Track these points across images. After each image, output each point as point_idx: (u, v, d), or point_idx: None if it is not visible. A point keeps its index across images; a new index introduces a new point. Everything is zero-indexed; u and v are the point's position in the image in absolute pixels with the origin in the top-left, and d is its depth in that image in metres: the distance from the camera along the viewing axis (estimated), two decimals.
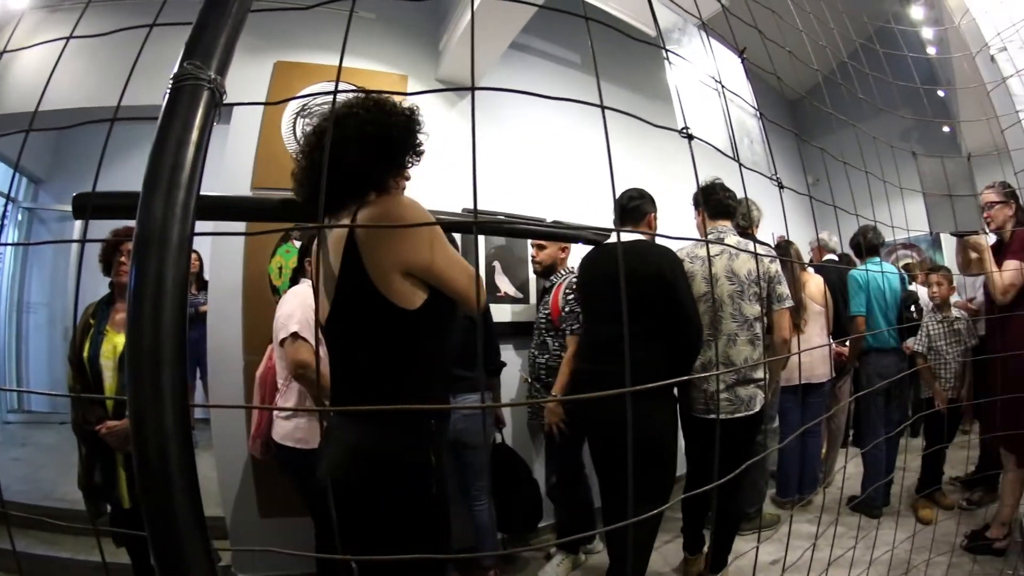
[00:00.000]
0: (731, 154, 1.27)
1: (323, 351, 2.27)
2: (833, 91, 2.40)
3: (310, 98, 3.08)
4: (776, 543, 3.06)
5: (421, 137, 1.38)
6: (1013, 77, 2.59)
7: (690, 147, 1.00)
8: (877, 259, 3.67)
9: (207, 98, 0.58)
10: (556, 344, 3.05)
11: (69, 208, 1.07)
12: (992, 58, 2.67)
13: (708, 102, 1.41)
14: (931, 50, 4.11)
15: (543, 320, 3.13)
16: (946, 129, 5.53)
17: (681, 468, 2.82)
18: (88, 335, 2.31)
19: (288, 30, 3.11)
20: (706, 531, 2.90)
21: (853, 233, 3.91)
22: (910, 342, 3.45)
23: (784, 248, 3.47)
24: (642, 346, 2.36)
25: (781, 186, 1.29)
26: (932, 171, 2.47)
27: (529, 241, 3.33)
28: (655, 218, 2.67)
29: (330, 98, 0.73)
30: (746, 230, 3.04)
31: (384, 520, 1.29)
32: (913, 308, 3.52)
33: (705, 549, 2.84)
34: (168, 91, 0.58)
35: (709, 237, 2.64)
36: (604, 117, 0.74)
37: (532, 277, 3.57)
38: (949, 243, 5.77)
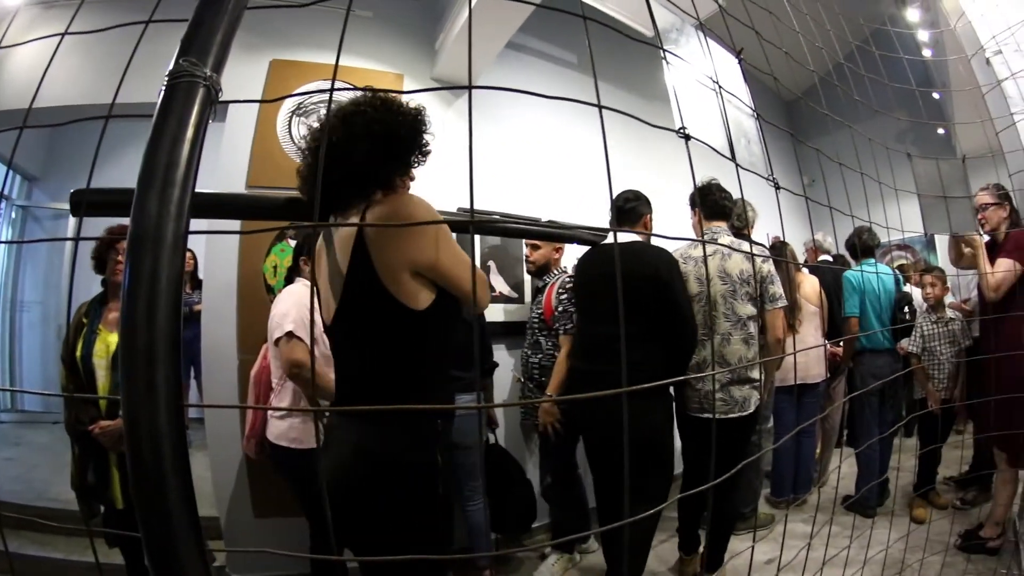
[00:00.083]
0: (728, 154, 1.27)
1: (318, 351, 2.29)
2: (829, 92, 2.42)
3: (306, 96, 3.07)
4: (771, 542, 3.07)
5: (428, 137, 1.37)
6: (1008, 80, 2.60)
7: (687, 147, 1.00)
8: (872, 260, 3.68)
9: (203, 95, 0.58)
10: (549, 344, 3.05)
11: (63, 206, 1.07)
12: (987, 61, 2.67)
13: (705, 102, 1.41)
14: (927, 52, 4.13)
15: (536, 320, 3.13)
16: (941, 131, 5.56)
17: (679, 467, 2.82)
18: (81, 334, 2.30)
19: (284, 28, 3.11)
20: (702, 531, 2.90)
21: (848, 234, 3.92)
22: (904, 343, 3.46)
23: (779, 249, 3.48)
24: (639, 346, 2.38)
25: (777, 187, 1.30)
26: (927, 173, 2.48)
27: (523, 241, 3.32)
28: (651, 219, 2.69)
29: (334, 96, 0.73)
30: (741, 230, 3.05)
31: (391, 520, 1.29)
32: (907, 309, 3.53)
33: (701, 549, 2.84)
34: (163, 88, 0.58)
35: (703, 237, 2.65)
36: (601, 117, 0.74)
37: (527, 277, 3.57)
38: (943, 244, 5.79)
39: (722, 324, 2.55)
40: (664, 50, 1.21)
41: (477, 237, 3.23)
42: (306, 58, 3.13)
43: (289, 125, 3.06)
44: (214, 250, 3.01)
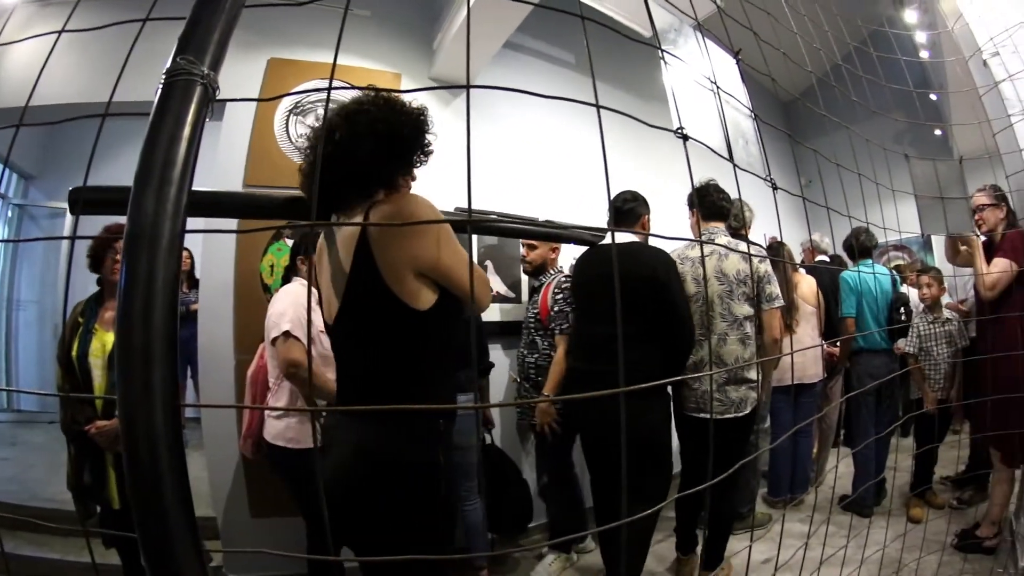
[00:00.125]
0: (726, 155, 1.28)
1: (315, 351, 2.29)
2: (827, 93, 2.41)
3: (303, 95, 3.07)
4: (768, 542, 3.07)
5: (430, 137, 1.37)
6: (1005, 82, 2.61)
7: (685, 147, 1.00)
8: (869, 261, 3.69)
9: (200, 94, 0.57)
10: (545, 344, 3.05)
11: (60, 204, 1.07)
12: (985, 63, 2.68)
13: (703, 103, 1.41)
14: (924, 54, 4.14)
15: (532, 319, 3.12)
16: (938, 132, 5.58)
17: (678, 467, 2.83)
18: (77, 333, 2.29)
19: (282, 27, 3.10)
20: (699, 531, 2.91)
21: (846, 235, 3.93)
22: (901, 343, 3.47)
23: (776, 249, 3.48)
24: (637, 346, 2.39)
25: (775, 187, 1.30)
26: (924, 174, 2.49)
27: (520, 240, 3.32)
28: (648, 220, 2.70)
29: (332, 95, 0.73)
30: (738, 231, 3.05)
31: (393, 520, 1.29)
32: (903, 310, 3.54)
33: (698, 549, 2.85)
34: (160, 86, 0.58)
35: (701, 238, 2.66)
36: (599, 117, 0.74)
37: (524, 276, 3.57)
38: (940, 245, 5.81)
39: (719, 324, 2.56)
40: (662, 50, 1.21)
41: (474, 237, 3.23)
42: (304, 57, 3.12)
43: (287, 124, 3.05)
44: (211, 249, 3.00)
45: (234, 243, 2.93)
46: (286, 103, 3.06)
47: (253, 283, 2.94)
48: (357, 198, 1.33)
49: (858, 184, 1.91)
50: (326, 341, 2.33)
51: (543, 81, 4.03)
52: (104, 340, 2.28)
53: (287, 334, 2.18)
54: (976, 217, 2.80)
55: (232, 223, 2.34)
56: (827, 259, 4.37)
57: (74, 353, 2.27)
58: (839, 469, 3.47)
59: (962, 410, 3.35)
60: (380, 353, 1.33)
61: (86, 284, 2.43)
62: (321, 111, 3.10)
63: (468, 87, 0.68)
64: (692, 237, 2.76)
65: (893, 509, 3.39)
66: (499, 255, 3.63)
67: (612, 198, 2.72)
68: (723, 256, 2.58)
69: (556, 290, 2.96)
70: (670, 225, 2.01)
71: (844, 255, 4.22)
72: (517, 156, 3.76)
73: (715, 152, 1.22)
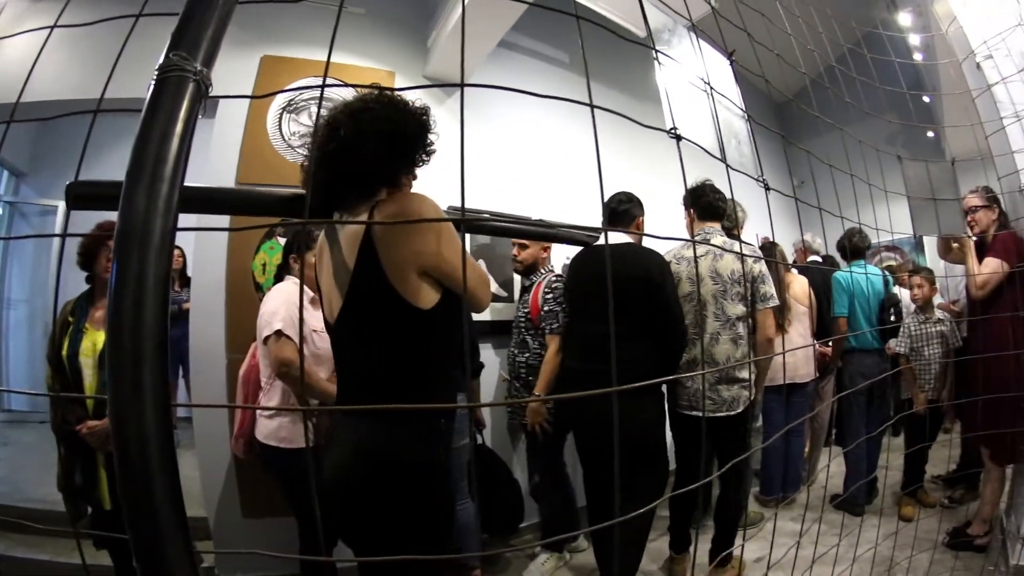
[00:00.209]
0: (719, 155, 1.28)
1: (307, 350, 2.28)
2: (820, 94, 2.43)
3: (297, 93, 3.06)
4: (760, 541, 3.08)
5: (432, 136, 1.37)
6: (998, 85, 2.63)
7: (678, 148, 1.00)
8: (862, 262, 3.71)
9: (192, 90, 0.57)
10: (536, 343, 3.04)
11: (51, 202, 1.06)
12: (978, 65, 2.70)
13: (696, 103, 1.41)
14: (918, 56, 4.16)
15: (522, 319, 3.11)
16: (931, 134, 5.60)
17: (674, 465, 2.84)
18: (67, 332, 2.27)
19: (275, 24, 3.09)
20: (692, 530, 2.92)
21: (838, 235, 3.95)
22: (892, 343, 3.50)
23: (769, 249, 3.50)
24: (631, 346, 2.40)
25: (767, 188, 1.30)
26: (917, 175, 2.50)
27: (511, 239, 3.32)
28: (643, 222, 2.72)
29: (330, 94, 0.72)
30: (731, 231, 3.06)
31: (396, 520, 1.29)
32: (892, 311, 3.56)
33: (691, 548, 2.85)
34: (153, 82, 0.57)
35: (696, 237, 2.68)
36: (593, 116, 0.74)
37: (515, 276, 3.57)
38: (932, 244, 5.85)
39: (711, 324, 2.58)
40: (656, 50, 1.21)
41: (467, 236, 3.22)
42: (297, 54, 3.11)
43: (279, 122, 3.04)
44: (203, 248, 2.98)
45: (226, 241, 2.91)
46: (279, 101, 3.05)
47: (245, 282, 2.93)
48: (360, 196, 1.33)
49: (851, 185, 1.92)
50: (318, 340, 2.34)
51: (537, 80, 4.03)
52: (95, 339, 2.26)
53: (279, 333, 2.17)
54: (969, 218, 2.82)
55: (224, 221, 2.33)
56: (819, 259, 4.39)
57: (64, 352, 2.24)
58: (831, 468, 3.49)
59: (953, 409, 3.37)
60: (383, 352, 1.33)
61: (77, 282, 2.40)
62: (314, 109, 3.09)
63: (462, 85, 0.68)
64: (687, 237, 2.77)
65: (884, 508, 3.41)
66: (491, 254, 3.63)
67: (608, 199, 2.74)
68: (718, 256, 2.59)
69: (547, 289, 2.96)
70: (664, 225, 2.01)
71: (837, 255, 4.24)
72: (511, 155, 3.76)
73: (708, 152, 1.22)
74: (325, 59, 0.68)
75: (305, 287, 2.41)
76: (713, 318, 2.58)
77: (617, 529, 2.51)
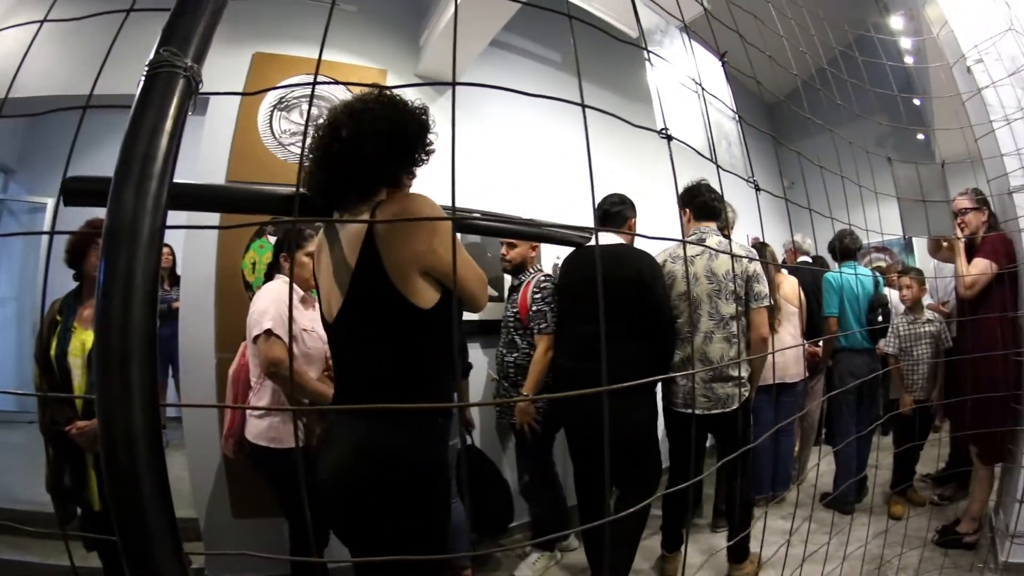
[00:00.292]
0: (709, 156, 1.28)
1: (297, 349, 2.27)
2: (811, 96, 2.44)
3: (288, 90, 3.04)
4: (751, 540, 3.08)
5: (431, 136, 1.38)
6: (988, 88, 2.65)
7: (669, 148, 1.00)
8: (852, 263, 3.73)
9: (183, 86, 0.56)
10: (525, 343, 3.03)
11: (40, 199, 1.05)
12: (968, 69, 2.72)
13: (688, 104, 1.42)
14: (909, 59, 4.19)
15: (511, 318, 3.10)
16: (921, 136, 5.65)
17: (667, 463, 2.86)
18: (55, 332, 2.24)
19: (267, 21, 3.07)
20: (683, 529, 2.92)
21: (828, 236, 3.97)
22: (882, 343, 3.52)
23: (759, 250, 3.51)
24: (623, 346, 2.42)
25: (758, 188, 1.30)
26: (907, 177, 2.52)
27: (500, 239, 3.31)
28: (635, 223, 2.75)
29: (328, 93, 0.72)
30: (721, 231, 3.08)
31: (402, 520, 1.29)
32: (881, 312, 3.58)
33: (683, 548, 2.86)
34: (143, 78, 0.56)
35: (691, 237, 2.70)
36: (584, 116, 0.74)
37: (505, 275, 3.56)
38: (921, 245, 5.89)
39: (705, 323, 2.60)
40: (648, 51, 1.21)
41: (457, 235, 3.21)
42: (289, 52, 3.09)
43: (271, 119, 3.02)
44: (192, 246, 2.96)
45: (216, 239, 2.89)
46: (270, 98, 3.03)
47: (235, 280, 2.91)
48: (361, 196, 1.33)
49: (841, 186, 1.93)
50: (308, 340, 2.33)
51: (529, 80, 4.02)
52: (83, 338, 2.24)
53: (269, 332, 2.16)
54: (959, 220, 2.85)
55: (214, 219, 2.31)
56: (809, 260, 4.41)
57: (53, 352, 2.22)
58: (820, 467, 3.51)
59: (943, 409, 3.40)
60: (384, 351, 1.33)
61: (66, 281, 2.38)
62: (306, 107, 3.08)
63: (454, 84, 0.68)
64: (679, 237, 2.78)
65: (874, 506, 3.43)
66: (480, 253, 3.62)
67: (600, 201, 2.78)
68: (713, 255, 2.61)
69: (535, 289, 2.95)
70: (655, 226, 2.02)
71: (828, 256, 4.27)
72: (502, 154, 3.76)
73: (699, 153, 1.23)
74: (317, 57, 0.68)
75: (296, 286, 2.41)
76: (707, 317, 2.60)
77: (608, 528, 2.52)
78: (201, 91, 0.59)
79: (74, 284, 2.36)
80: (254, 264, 2.94)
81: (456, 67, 0.74)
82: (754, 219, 1.59)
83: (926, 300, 3.56)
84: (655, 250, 2.69)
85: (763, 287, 2.65)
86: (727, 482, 2.80)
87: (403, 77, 3.44)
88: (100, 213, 0.55)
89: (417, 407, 1.31)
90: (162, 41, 0.58)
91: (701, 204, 2.72)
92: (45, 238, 5.02)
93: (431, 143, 1.38)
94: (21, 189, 5.58)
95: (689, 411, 2.62)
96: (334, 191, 1.30)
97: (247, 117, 2.99)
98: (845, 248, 3.70)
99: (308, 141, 1.36)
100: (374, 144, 1.27)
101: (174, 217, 0.58)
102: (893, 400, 3.61)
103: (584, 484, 2.69)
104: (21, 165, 5.55)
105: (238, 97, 2.94)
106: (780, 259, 4.44)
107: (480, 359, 3.47)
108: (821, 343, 3.79)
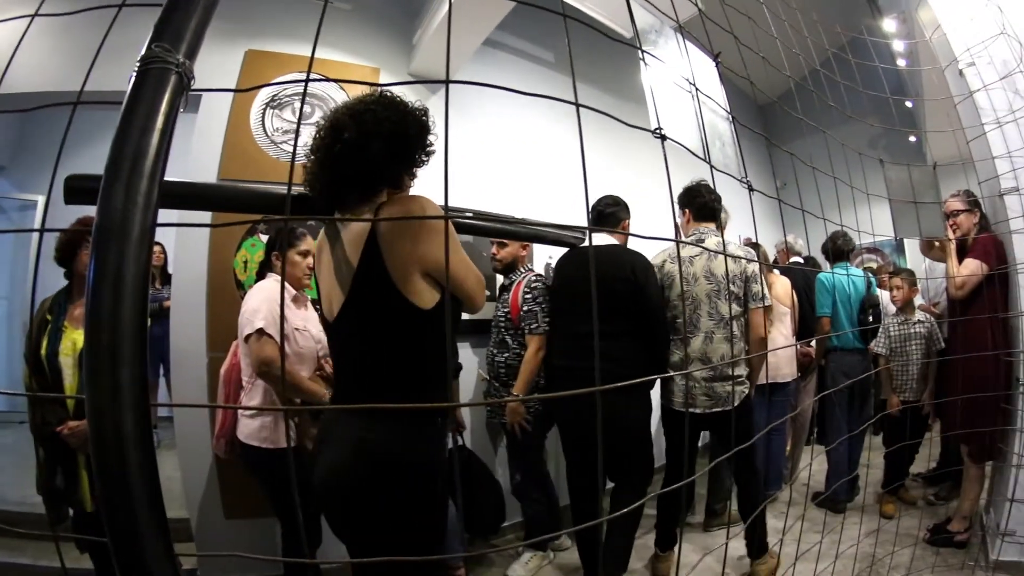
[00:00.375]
0: (703, 156, 1.29)
1: (288, 348, 2.26)
2: (804, 97, 2.45)
3: (281, 88, 3.03)
4: (744, 539, 3.10)
5: (431, 137, 1.39)
6: (980, 91, 2.67)
7: (663, 148, 1.00)
8: (845, 263, 3.76)
9: (174, 83, 0.56)
10: (516, 343, 3.02)
11: (30, 196, 1.04)
12: (960, 72, 2.74)
13: (681, 104, 1.42)
14: (901, 62, 4.22)
15: (502, 318, 3.09)
16: (913, 139, 5.68)
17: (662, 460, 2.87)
18: (46, 331, 2.22)
19: (260, 18, 3.05)
20: (677, 529, 2.93)
21: (820, 236, 3.99)
22: (873, 344, 3.55)
23: (752, 250, 3.53)
24: (618, 344, 2.48)
25: (751, 189, 1.31)
26: (898, 178, 2.54)
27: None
28: (628, 225, 2.79)
29: (314, 89, 0.72)
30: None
31: (403, 519, 1.30)
32: (871, 312, 3.61)
33: (676, 547, 2.87)
34: (134, 74, 0.56)
35: (691, 238, 2.73)
36: (579, 115, 0.74)
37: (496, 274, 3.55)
38: (912, 247, 5.94)
39: (705, 323, 2.62)
40: (642, 51, 1.21)
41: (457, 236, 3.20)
42: (282, 49, 3.07)
43: (263, 117, 3.01)
44: (184, 244, 2.94)
45: (207, 238, 2.87)
46: (263, 96, 3.01)
47: (226, 279, 2.89)
48: (362, 196, 1.34)
49: (833, 187, 1.94)
50: (300, 339, 2.32)
51: (522, 79, 4.02)
52: (74, 338, 2.22)
53: (261, 331, 2.14)
54: (950, 222, 2.87)
55: (206, 217, 2.30)
56: (801, 260, 4.43)
57: (43, 352, 2.20)
58: (812, 466, 3.52)
59: (934, 409, 3.42)
60: (385, 350, 1.34)
61: (57, 279, 2.36)
62: (298, 104, 3.07)
63: (447, 82, 0.67)
64: (682, 236, 2.80)
65: (866, 505, 3.45)
66: (471, 252, 3.60)
67: (595, 202, 2.81)
68: (712, 256, 2.63)
69: (526, 289, 2.94)
70: (648, 225, 2.02)
71: (820, 257, 4.29)
72: (495, 154, 3.75)
73: (692, 153, 1.23)
74: (310, 54, 0.67)
75: (287, 285, 2.40)
76: (707, 317, 2.62)
77: (602, 527, 2.53)
78: (193, 88, 0.58)
79: (65, 282, 2.34)
80: (246, 263, 2.92)
81: (449, 66, 0.74)
82: (747, 219, 1.60)
83: (917, 300, 3.58)
84: (653, 251, 2.71)
85: (761, 287, 2.68)
86: (735, 480, 2.82)
87: (396, 75, 3.43)
88: (91, 211, 0.55)
89: (412, 407, 1.32)
90: (154, 37, 0.57)
91: (701, 205, 2.74)
92: (35, 235, 4.99)
93: (431, 144, 1.39)
94: (11, 186, 5.53)
95: (687, 410, 2.63)
96: (336, 191, 1.32)
97: (239, 115, 2.97)
98: (838, 249, 3.73)
99: (309, 141, 1.37)
100: (376, 145, 1.28)
101: (165, 215, 0.57)
102: (884, 400, 3.63)
103: (577, 481, 2.70)
104: (11, 161, 5.51)
105: (230, 94, 2.91)
106: (772, 260, 4.45)
107: (470, 359, 3.47)
108: (813, 343, 3.81)
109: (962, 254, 2.85)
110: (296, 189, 1.33)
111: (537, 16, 3.94)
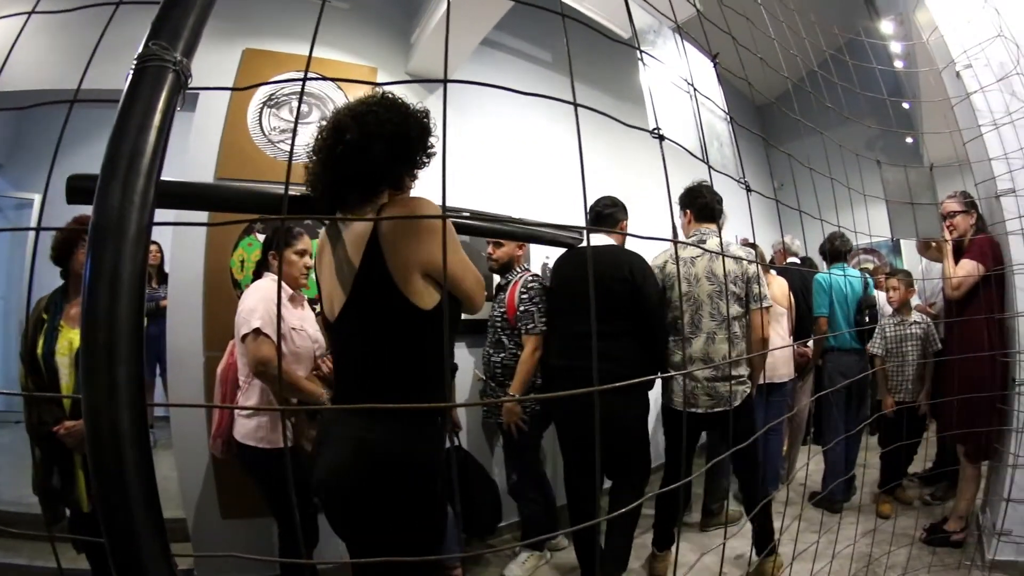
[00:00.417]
0: (701, 156, 1.29)
1: (285, 348, 2.26)
2: (801, 98, 2.45)
3: (278, 87, 3.02)
4: (741, 539, 3.10)
5: (432, 139, 1.40)
6: (977, 93, 2.68)
7: (661, 148, 1.00)
8: (842, 264, 3.77)
9: (172, 81, 0.55)
10: (512, 343, 3.02)
11: (27, 195, 1.04)
12: (957, 74, 2.75)
13: (679, 104, 1.42)
14: (898, 64, 4.23)
15: (498, 318, 3.08)
16: (910, 140, 5.70)
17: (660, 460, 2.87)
18: (42, 330, 2.21)
19: (258, 16, 3.05)
20: (675, 529, 2.93)
21: (817, 237, 4.00)
22: (870, 345, 3.56)
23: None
24: (616, 344, 2.50)
25: (748, 189, 1.31)
26: (895, 179, 2.54)
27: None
28: (626, 226, 2.80)
29: (311, 88, 0.72)
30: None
31: (403, 516, 1.31)
32: (868, 313, 3.62)
33: (673, 547, 2.87)
34: (131, 72, 0.55)
35: (692, 239, 2.73)
36: (576, 115, 0.74)
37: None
38: (908, 248, 5.95)
39: (707, 323, 2.63)
40: (641, 51, 1.21)
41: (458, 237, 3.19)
42: (280, 48, 3.07)
43: (260, 116, 3.00)
44: (180, 243, 2.93)
45: (204, 237, 2.86)
46: (260, 95, 3.00)
47: (223, 278, 2.88)
48: (364, 196, 1.36)
49: (830, 188, 1.94)
50: (297, 339, 2.31)
51: (520, 79, 4.01)
52: (71, 338, 2.21)
53: (257, 331, 2.14)
54: (947, 223, 2.88)
55: (202, 216, 2.29)
56: (798, 261, 4.44)
57: (39, 351, 2.18)
58: (809, 466, 3.53)
59: (930, 410, 3.43)
60: (386, 350, 1.36)
61: (54, 278, 2.35)
62: (295, 104, 3.06)
63: (445, 81, 0.67)
64: (683, 237, 2.81)
65: (863, 505, 3.45)
66: (468, 252, 3.58)
67: (593, 203, 2.82)
68: (714, 257, 2.63)
69: (523, 289, 2.94)
70: (645, 226, 2.02)
71: (820, 258, 4.30)
72: (493, 154, 3.75)
73: (690, 153, 1.23)
74: (307, 53, 0.67)
75: (284, 284, 2.39)
76: (709, 318, 2.63)
77: (596, 527, 2.53)
78: (190, 86, 0.58)
79: (61, 282, 2.33)
80: (242, 262, 2.92)
81: (447, 65, 0.74)
82: (744, 220, 1.60)
83: (914, 301, 3.59)
84: (651, 251, 2.71)
85: (763, 288, 2.69)
86: (739, 478, 2.83)
87: (394, 75, 3.43)
88: (88, 210, 0.54)
89: (411, 407, 1.32)
90: (151, 34, 0.57)
91: (702, 206, 2.75)
92: (31, 234, 4.97)
93: (432, 146, 1.41)
94: (7, 184, 5.50)
95: (691, 410, 2.63)
96: (337, 192, 1.33)
97: (236, 114, 2.96)
98: (835, 250, 3.74)
99: (311, 142, 1.39)
100: (378, 147, 1.29)
101: (162, 214, 0.57)
102: (878, 401, 3.64)
103: (576, 481, 2.70)
104: (8, 160, 5.48)
105: (227, 93, 2.90)
106: (768, 260, 4.46)
107: (466, 359, 3.47)
108: (810, 344, 3.82)
109: (959, 255, 2.86)
110: (294, 189, 1.33)
111: (535, 16, 3.94)
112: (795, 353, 3.76)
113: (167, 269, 3.69)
